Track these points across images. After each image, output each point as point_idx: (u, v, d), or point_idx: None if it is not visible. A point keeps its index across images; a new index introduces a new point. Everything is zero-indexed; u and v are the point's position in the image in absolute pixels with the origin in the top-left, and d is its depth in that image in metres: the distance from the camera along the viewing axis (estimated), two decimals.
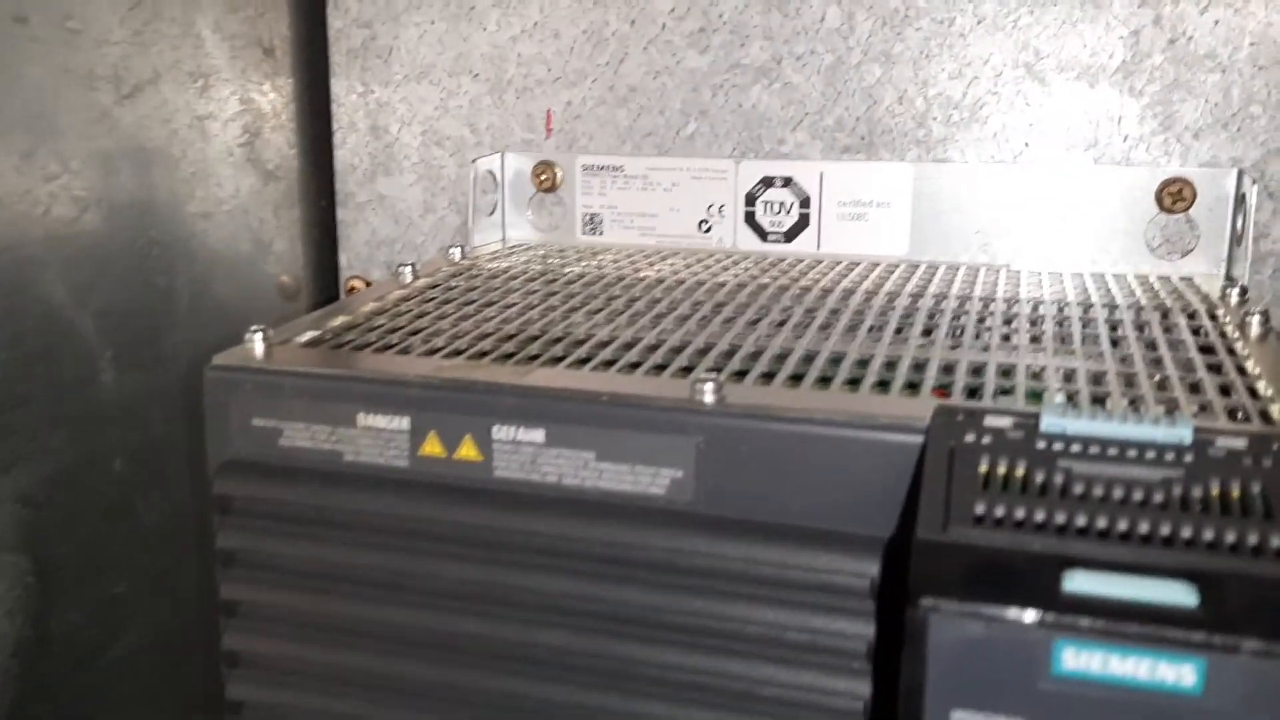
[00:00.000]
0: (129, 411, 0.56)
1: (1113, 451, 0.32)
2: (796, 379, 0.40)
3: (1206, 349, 0.43)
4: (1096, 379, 0.40)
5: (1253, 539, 0.28)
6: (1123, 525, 0.29)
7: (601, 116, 0.65)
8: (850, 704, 0.36)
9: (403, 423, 0.40)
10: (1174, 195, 0.56)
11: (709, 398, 0.38)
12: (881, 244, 0.61)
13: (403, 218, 0.70)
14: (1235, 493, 0.30)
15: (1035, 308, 0.50)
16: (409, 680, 0.41)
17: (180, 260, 0.59)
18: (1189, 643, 0.25)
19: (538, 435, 0.39)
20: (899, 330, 0.46)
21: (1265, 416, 0.36)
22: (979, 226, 0.60)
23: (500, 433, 0.39)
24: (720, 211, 0.63)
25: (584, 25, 0.64)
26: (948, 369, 0.41)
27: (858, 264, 0.59)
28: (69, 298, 0.53)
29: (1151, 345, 0.44)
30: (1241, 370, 0.40)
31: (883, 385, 0.40)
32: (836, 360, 0.42)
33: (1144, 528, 0.29)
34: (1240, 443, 0.32)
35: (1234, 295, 0.49)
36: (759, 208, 0.63)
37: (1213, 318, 0.47)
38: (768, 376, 0.40)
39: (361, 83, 0.68)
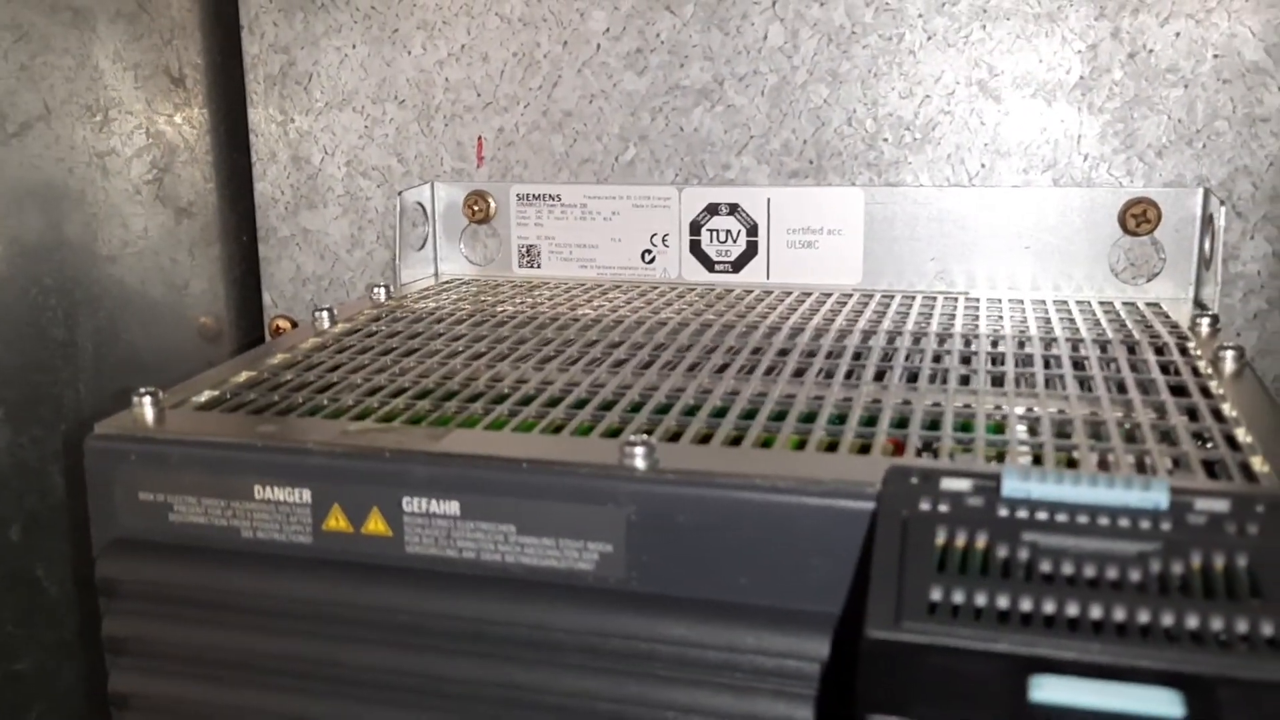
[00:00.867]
0: (25, 475, 0.52)
1: (1082, 519, 0.29)
2: (738, 438, 0.37)
3: (1178, 389, 0.40)
4: (1061, 429, 0.37)
5: (1241, 628, 0.25)
6: (1096, 613, 0.25)
7: (536, 143, 0.61)
8: None
9: (304, 495, 0.37)
10: (1138, 217, 0.53)
11: (640, 463, 0.34)
12: (833, 273, 0.58)
13: (328, 253, 0.66)
14: (1219, 565, 0.27)
15: (995, 343, 0.46)
16: None
17: (82, 308, 0.55)
18: None
19: (452, 507, 0.35)
20: (849, 374, 0.42)
21: (1247, 470, 0.33)
22: (935, 253, 0.57)
23: (411, 505, 0.36)
24: (664, 241, 0.60)
25: (514, 48, 0.60)
26: (902, 421, 0.38)
27: (808, 295, 0.56)
28: None
29: (1120, 387, 0.40)
30: (1218, 415, 0.37)
31: (832, 442, 0.36)
32: (782, 413, 0.39)
33: (1119, 616, 0.25)
34: (1222, 505, 0.29)
35: (1205, 325, 0.47)
36: (704, 236, 0.59)
37: (1183, 352, 0.44)
38: (706, 437, 0.37)
39: (281, 111, 0.64)
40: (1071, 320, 0.49)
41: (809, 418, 0.38)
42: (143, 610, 0.38)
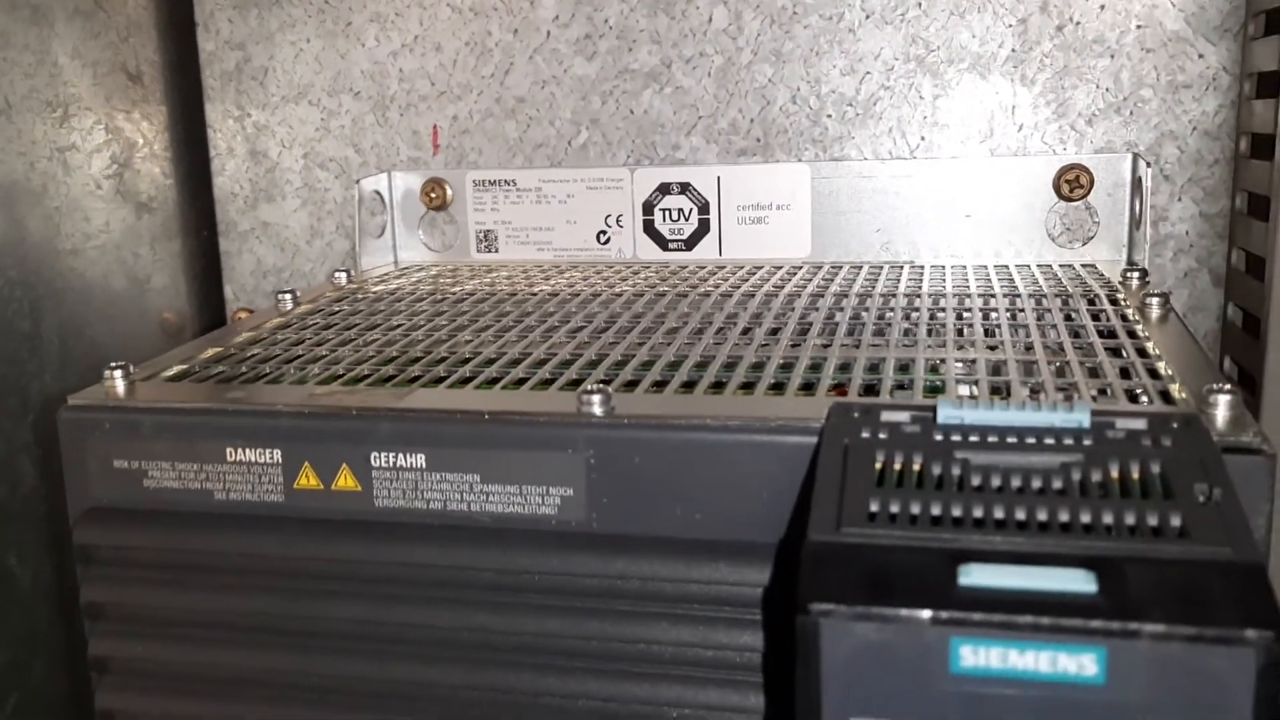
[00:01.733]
0: None
1: (1011, 440, 0.31)
2: (689, 386, 0.38)
3: (1107, 333, 0.42)
4: (996, 369, 0.39)
5: (1152, 520, 0.27)
6: (1020, 514, 0.27)
7: (490, 130, 0.63)
8: (738, 712, 0.34)
9: (275, 455, 0.38)
10: (1071, 183, 0.56)
11: (598, 410, 0.36)
12: (784, 247, 0.60)
13: (288, 245, 0.67)
14: (1135, 474, 0.29)
15: (936, 301, 0.48)
16: None
17: (46, 302, 0.56)
18: (1089, 631, 0.23)
19: (419, 460, 0.37)
20: (798, 332, 0.44)
21: (1165, 396, 0.35)
22: (879, 225, 0.59)
23: (379, 459, 0.37)
24: (618, 222, 0.62)
25: (465, 37, 0.62)
26: (845, 367, 0.40)
27: (759, 268, 0.58)
28: None
29: (1052, 332, 0.43)
30: (1142, 352, 0.40)
31: (778, 388, 0.38)
32: (732, 365, 0.40)
33: (1042, 515, 0.27)
34: (1139, 424, 0.31)
35: (1134, 279, 0.49)
36: (657, 216, 0.61)
37: (1114, 302, 0.47)
38: (660, 385, 0.39)
39: (237, 106, 0.65)
40: (1010, 281, 0.52)
41: (758, 366, 0.40)
42: (120, 575, 0.40)
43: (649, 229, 0.61)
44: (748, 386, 0.38)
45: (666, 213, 0.61)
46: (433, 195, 0.63)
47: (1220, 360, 0.55)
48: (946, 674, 0.24)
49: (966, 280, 0.52)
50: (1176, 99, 0.55)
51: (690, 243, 0.61)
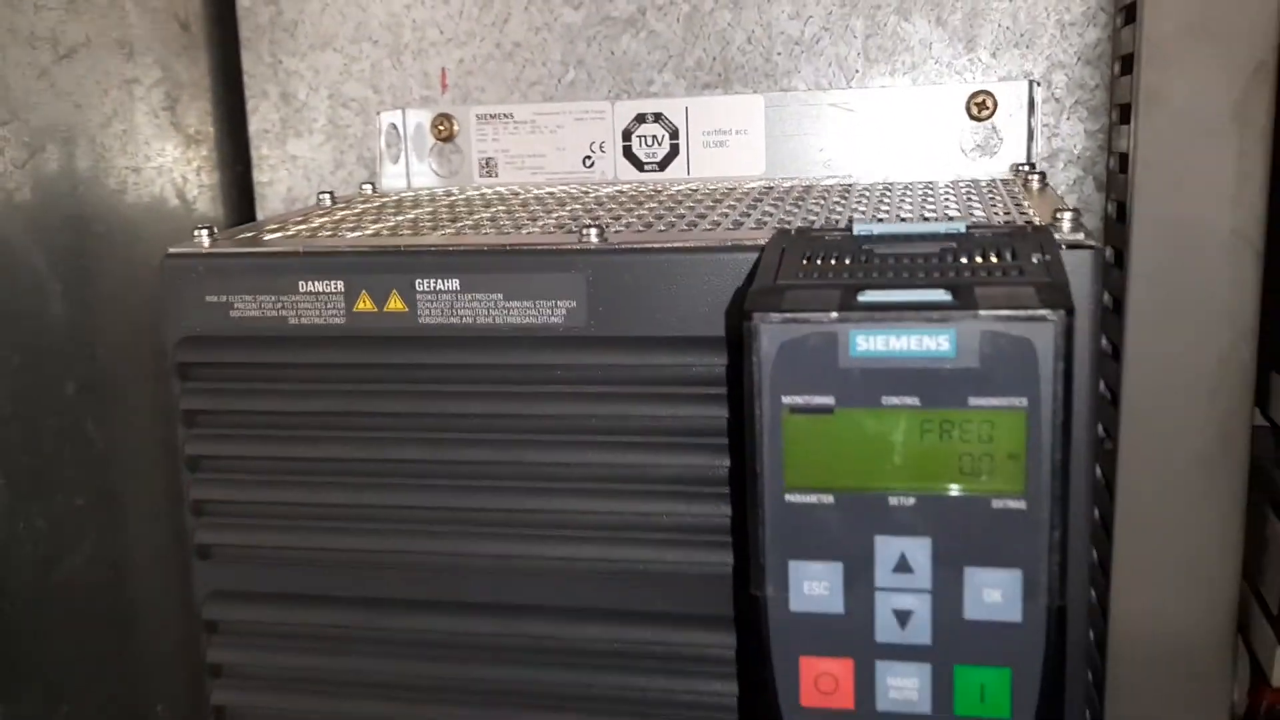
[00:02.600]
0: (78, 344, 0.62)
1: (906, 239, 0.41)
2: (667, 228, 0.49)
3: (998, 198, 0.53)
4: (908, 214, 0.50)
5: (998, 270, 0.37)
6: (905, 273, 0.38)
7: (491, 71, 0.73)
8: (718, 472, 0.45)
9: (338, 285, 0.48)
10: (980, 105, 0.67)
11: (595, 239, 0.46)
12: (743, 166, 0.71)
13: (314, 175, 0.77)
14: (994, 255, 0.40)
15: (866, 189, 0.59)
16: (359, 507, 0.49)
17: (114, 212, 0.65)
18: (944, 319, 0.34)
19: (454, 284, 0.47)
20: (752, 199, 0.55)
21: (1031, 225, 0.46)
22: (823, 145, 0.70)
23: (422, 285, 0.47)
24: (601, 148, 0.72)
25: None
26: (786, 217, 0.50)
27: (722, 183, 0.68)
28: (24, 233, 0.59)
29: (958, 198, 0.54)
30: (1019, 206, 0.50)
31: (736, 226, 0.49)
32: (700, 217, 0.51)
33: (920, 273, 0.38)
34: (1004, 232, 0.42)
35: (1026, 170, 0.60)
36: (635, 142, 0.72)
37: (1006, 183, 0.58)
38: (644, 227, 0.49)
39: (270, 54, 0.75)
40: (930, 180, 0.63)
41: (722, 216, 0.51)
42: (211, 388, 0.49)
43: (627, 153, 0.72)
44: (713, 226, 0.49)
45: (642, 139, 0.72)
46: (441, 128, 0.73)
47: (1104, 251, 0.67)
48: (848, 356, 0.35)
49: (894, 181, 0.63)
50: (1064, 34, 0.66)
51: (663, 164, 0.72)
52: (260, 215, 0.78)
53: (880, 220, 0.48)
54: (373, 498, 0.49)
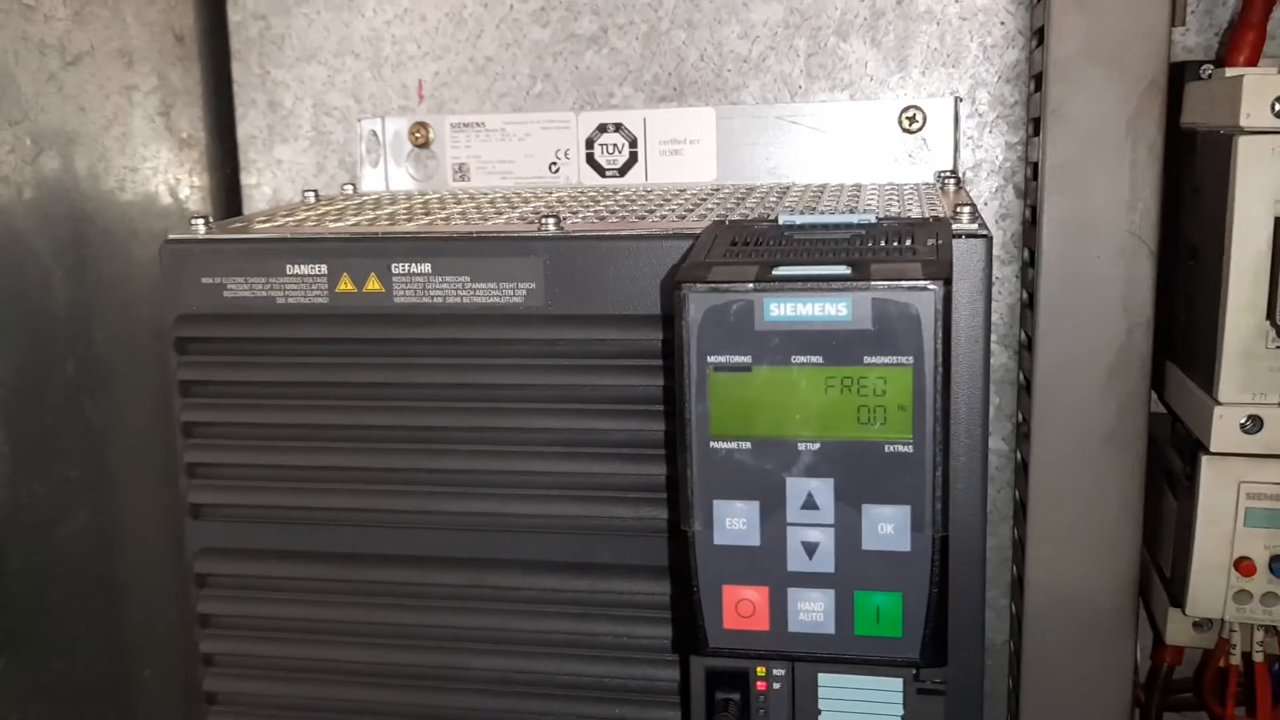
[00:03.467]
0: (77, 327, 0.68)
1: (823, 229, 0.47)
2: (619, 220, 0.55)
3: (915, 198, 0.59)
4: (833, 209, 0.56)
5: (894, 250, 0.43)
6: (818, 254, 0.44)
7: (465, 83, 0.79)
8: (653, 436, 0.50)
9: (322, 268, 0.53)
10: (910, 119, 0.73)
11: (552, 228, 0.52)
12: (696, 172, 0.77)
13: (299, 178, 0.82)
14: (895, 243, 0.46)
15: (803, 189, 0.65)
16: (339, 469, 0.54)
17: (112, 207, 0.71)
18: (843, 289, 0.40)
19: (426, 267, 0.52)
20: (698, 198, 0.61)
21: (937, 219, 0.52)
22: (769, 154, 0.76)
23: (398, 268, 0.52)
24: (566, 155, 0.78)
25: (446, 9, 0.79)
26: (727, 212, 0.56)
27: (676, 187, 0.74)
28: (30, 225, 0.64)
29: (880, 198, 0.60)
30: (931, 204, 0.57)
31: (680, 219, 0.54)
32: (650, 213, 0.57)
33: (830, 254, 0.44)
34: (907, 222, 0.48)
35: (947, 176, 0.66)
36: (597, 150, 0.78)
37: (928, 187, 0.64)
38: (598, 220, 0.55)
39: (259, 65, 0.81)
40: (859, 186, 0.69)
41: (668, 210, 0.56)
42: (206, 361, 0.54)
43: (590, 160, 0.78)
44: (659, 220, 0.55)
45: (604, 147, 0.78)
46: (417, 135, 0.79)
47: (1022, 252, 0.73)
48: (763, 321, 0.40)
49: (829, 185, 0.70)
50: (986, 55, 0.73)
51: (623, 171, 0.78)
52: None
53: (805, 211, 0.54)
54: (351, 460, 0.54)
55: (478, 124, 0.79)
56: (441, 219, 0.59)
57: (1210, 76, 0.64)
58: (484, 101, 0.79)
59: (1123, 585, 0.66)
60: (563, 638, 0.53)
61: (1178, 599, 0.62)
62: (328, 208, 0.65)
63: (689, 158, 0.77)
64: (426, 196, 0.70)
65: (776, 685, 0.44)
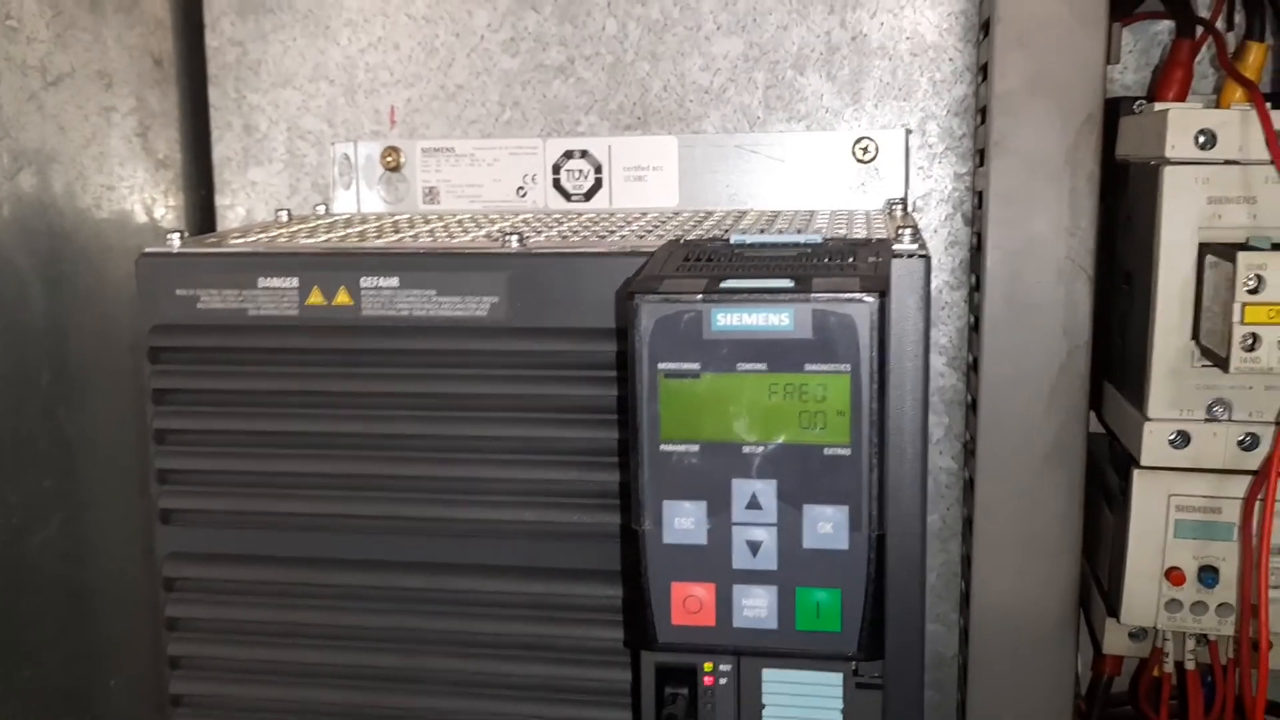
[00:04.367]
0: (54, 338, 0.69)
1: (764, 246, 0.50)
2: (580, 240, 0.57)
3: (862, 222, 0.62)
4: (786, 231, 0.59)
5: (836, 265, 0.46)
6: (764, 270, 0.46)
7: (435, 109, 0.82)
8: (609, 444, 0.53)
9: (293, 281, 0.55)
10: (864, 150, 0.76)
11: (515, 244, 0.54)
12: (659, 198, 0.80)
13: (272, 200, 0.84)
14: (838, 260, 0.48)
15: (759, 214, 0.68)
16: (307, 475, 0.56)
17: (89, 225, 0.73)
18: (786, 301, 0.42)
19: (394, 281, 0.54)
20: (656, 220, 0.64)
21: (883, 242, 0.55)
22: (729, 181, 0.79)
23: (366, 282, 0.55)
24: (533, 180, 0.81)
25: (419, 39, 0.81)
26: (684, 233, 0.59)
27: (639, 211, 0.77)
28: (8, 239, 0.66)
29: (830, 221, 0.63)
30: (878, 227, 0.60)
31: (639, 239, 0.57)
32: (610, 233, 0.60)
33: (775, 269, 0.46)
34: (851, 241, 0.51)
35: (895, 203, 0.69)
36: (563, 175, 0.80)
37: (877, 213, 0.67)
38: (560, 239, 0.57)
39: (235, 90, 0.83)
40: (813, 211, 0.72)
41: (627, 232, 0.59)
42: (181, 370, 0.56)
43: (557, 185, 0.81)
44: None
45: (570, 173, 0.80)
46: (389, 159, 0.82)
47: (969, 277, 0.76)
48: (710, 330, 0.43)
49: (779, 212, 0.73)
50: (936, 90, 0.76)
51: (588, 195, 0.80)
52: None
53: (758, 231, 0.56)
54: (318, 466, 0.56)
55: (448, 149, 0.81)
56: (410, 237, 0.61)
57: (1141, 111, 0.67)
58: (454, 127, 0.82)
59: (1064, 597, 0.69)
60: (521, 640, 0.55)
61: (1114, 609, 0.64)
62: (300, 225, 0.67)
63: (652, 184, 0.80)
64: (396, 217, 0.73)
65: (723, 680, 0.46)
